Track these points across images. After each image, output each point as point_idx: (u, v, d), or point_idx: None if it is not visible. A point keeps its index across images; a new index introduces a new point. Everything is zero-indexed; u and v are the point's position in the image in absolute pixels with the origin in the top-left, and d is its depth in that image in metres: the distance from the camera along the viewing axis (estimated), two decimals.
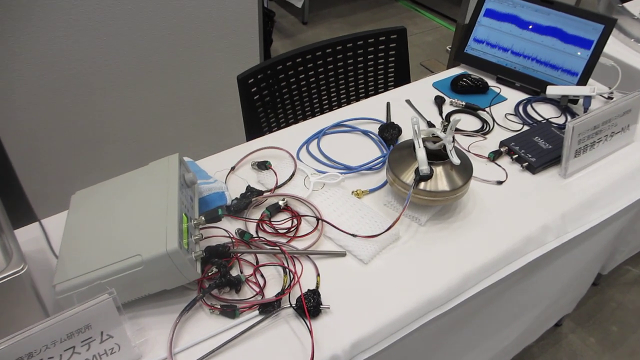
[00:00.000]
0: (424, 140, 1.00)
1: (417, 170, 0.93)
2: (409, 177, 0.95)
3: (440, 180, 0.94)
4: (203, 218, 0.86)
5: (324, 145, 1.15)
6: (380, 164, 1.10)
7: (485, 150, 1.15)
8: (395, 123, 1.18)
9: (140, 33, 1.59)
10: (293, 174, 1.05)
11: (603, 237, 1.23)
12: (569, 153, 1.06)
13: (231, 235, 0.93)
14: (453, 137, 0.96)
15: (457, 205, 1.02)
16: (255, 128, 1.35)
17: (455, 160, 0.93)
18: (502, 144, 1.14)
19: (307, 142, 1.15)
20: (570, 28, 1.28)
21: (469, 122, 1.23)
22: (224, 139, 1.22)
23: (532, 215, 1.00)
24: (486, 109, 1.26)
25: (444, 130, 0.97)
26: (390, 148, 1.13)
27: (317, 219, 0.96)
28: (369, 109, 1.26)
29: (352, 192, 1.02)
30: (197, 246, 0.84)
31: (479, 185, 1.06)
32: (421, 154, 0.92)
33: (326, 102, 1.50)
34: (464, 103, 1.27)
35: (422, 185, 0.93)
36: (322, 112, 1.50)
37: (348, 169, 1.09)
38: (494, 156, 1.12)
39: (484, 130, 1.20)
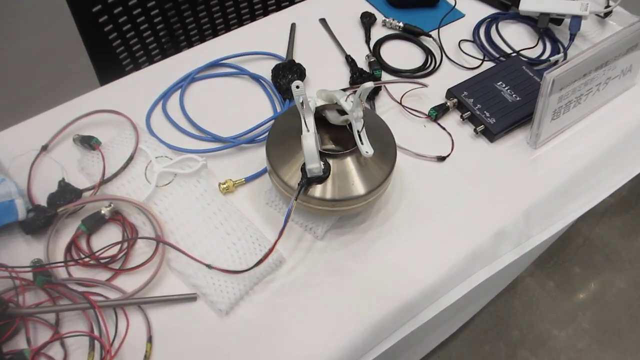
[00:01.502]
0: (324, 108, 0.64)
1: (304, 169, 0.59)
2: (293, 175, 0.60)
3: (342, 181, 0.60)
4: None
5: (191, 99, 0.78)
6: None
7: (426, 102, 0.80)
8: (298, 62, 0.81)
9: None
10: (132, 158, 0.69)
11: None
12: (543, 115, 0.72)
13: (15, 276, 0.59)
14: (365, 111, 0.60)
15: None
16: (111, 67, 0.96)
17: (366, 150, 0.59)
18: (450, 93, 0.79)
19: (165, 96, 0.78)
20: None
21: (407, 55, 0.86)
22: (65, 87, 0.83)
23: (484, 214, 0.69)
24: (432, 34, 0.88)
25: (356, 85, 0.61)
26: (286, 104, 0.77)
27: (157, 240, 0.63)
28: (267, 36, 0.87)
29: (220, 184, 0.68)
30: None
31: (412, 163, 0.73)
32: (309, 144, 0.57)
33: (221, 21, 1.08)
34: (401, 24, 0.88)
35: (313, 189, 0.60)
36: (215, 33, 1.10)
37: (219, 141, 0.73)
38: (437, 114, 0.77)
39: (426, 69, 0.84)
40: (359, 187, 0.60)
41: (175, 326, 0.58)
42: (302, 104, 0.58)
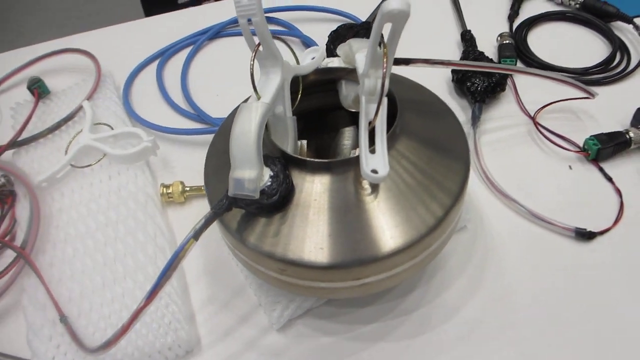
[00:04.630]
0: (335, 74, 0.33)
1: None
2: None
3: (342, 224, 0.27)
4: None
5: (204, 61, 0.52)
6: None
7: (585, 126, 0.43)
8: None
9: None
10: (70, 118, 0.45)
11: None
12: None
13: None
14: (388, 91, 0.27)
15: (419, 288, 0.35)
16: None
17: (375, 166, 0.26)
18: None
19: (168, 50, 0.53)
20: None
21: (575, 47, 0.50)
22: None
23: None
24: (636, 20, 0.50)
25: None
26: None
27: (17, 252, 0.37)
28: None
29: (162, 186, 0.40)
30: None
31: (525, 230, 0.37)
32: (248, 122, 0.26)
33: None
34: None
35: (265, 232, 0.28)
36: None
37: (204, 122, 0.46)
38: (601, 149, 0.40)
39: (606, 71, 0.46)
40: (378, 239, 0.27)
41: None
42: (252, 33, 0.27)
